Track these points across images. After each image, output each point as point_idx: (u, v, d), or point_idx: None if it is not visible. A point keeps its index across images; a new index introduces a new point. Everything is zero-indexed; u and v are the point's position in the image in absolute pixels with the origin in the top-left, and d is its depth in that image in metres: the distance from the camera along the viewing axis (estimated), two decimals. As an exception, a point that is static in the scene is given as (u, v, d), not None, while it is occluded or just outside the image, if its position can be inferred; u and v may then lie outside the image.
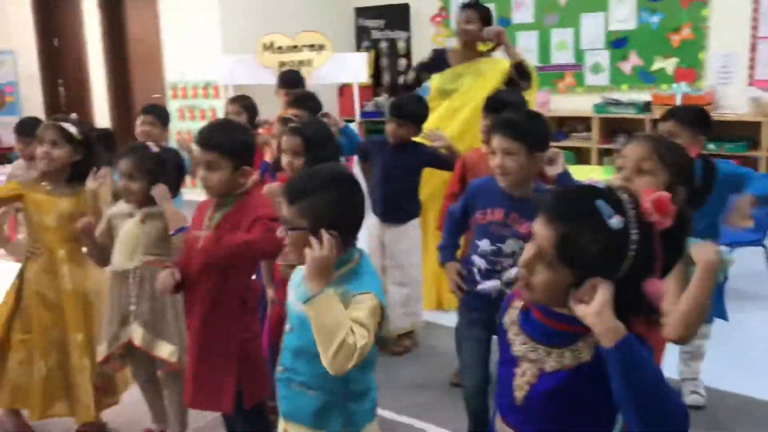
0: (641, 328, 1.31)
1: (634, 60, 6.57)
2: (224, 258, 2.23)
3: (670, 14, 6.35)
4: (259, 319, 2.59)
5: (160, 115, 3.88)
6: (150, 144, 2.77)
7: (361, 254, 1.84)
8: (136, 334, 2.63)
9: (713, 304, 2.56)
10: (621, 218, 1.25)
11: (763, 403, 3.07)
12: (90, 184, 2.86)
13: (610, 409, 1.33)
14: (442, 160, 3.57)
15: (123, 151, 2.73)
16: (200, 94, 6.94)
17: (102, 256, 2.76)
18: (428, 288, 4.14)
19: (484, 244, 2.46)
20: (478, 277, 2.51)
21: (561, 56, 6.92)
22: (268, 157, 3.47)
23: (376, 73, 8.01)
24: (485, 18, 4.12)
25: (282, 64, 6.34)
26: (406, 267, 3.67)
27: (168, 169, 2.69)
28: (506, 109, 2.82)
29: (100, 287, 2.90)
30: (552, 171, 2.51)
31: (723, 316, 2.94)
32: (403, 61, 7.91)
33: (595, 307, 1.23)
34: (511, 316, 1.49)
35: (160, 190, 2.59)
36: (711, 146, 5.58)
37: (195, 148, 2.33)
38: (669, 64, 6.43)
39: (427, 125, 3.69)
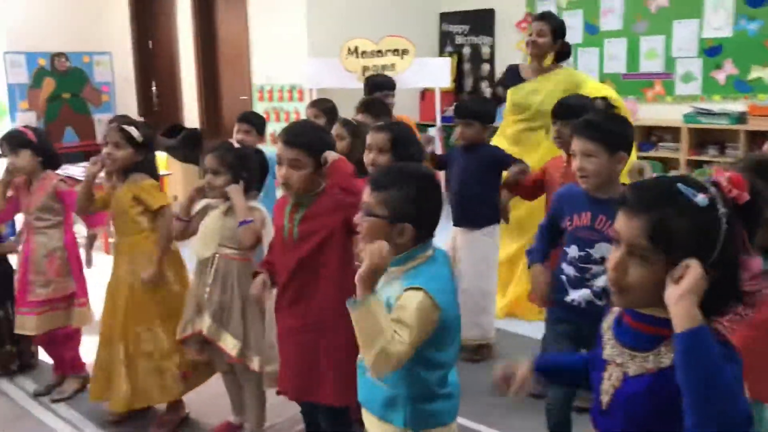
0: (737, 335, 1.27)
1: (729, 69, 6.30)
2: (345, 180, 2.32)
3: (769, 21, 6.07)
4: None
5: (255, 122, 3.98)
6: (232, 140, 2.91)
7: (436, 253, 1.85)
8: (205, 323, 2.73)
9: None
10: (706, 195, 1.24)
11: None
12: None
13: None
14: (513, 160, 3.46)
15: (208, 148, 2.87)
16: (285, 97, 7.08)
17: (184, 232, 2.88)
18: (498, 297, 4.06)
19: (573, 251, 2.40)
20: (567, 287, 2.44)
21: (650, 64, 6.71)
22: None
23: (459, 78, 7.98)
24: (558, 31, 4.01)
25: (365, 68, 6.39)
26: (473, 276, 3.55)
27: (251, 167, 2.81)
28: (572, 112, 2.79)
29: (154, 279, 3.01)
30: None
31: None
32: (486, 67, 7.85)
33: (681, 289, 1.19)
34: (608, 321, 1.47)
35: (234, 186, 2.71)
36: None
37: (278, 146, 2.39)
38: (767, 74, 6.14)
39: (510, 149, 3.69)
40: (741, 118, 6.14)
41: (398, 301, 1.72)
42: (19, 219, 3.74)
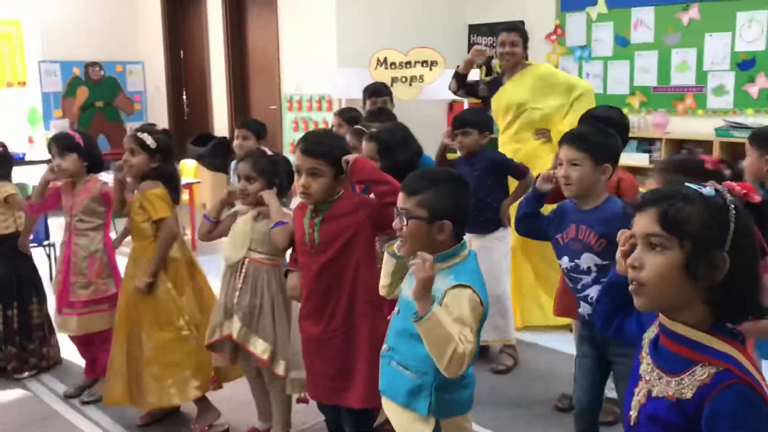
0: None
1: (762, 82, 6.22)
2: (372, 173, 2.34)
3: (804, 35, 5.99)
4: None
5: (253, 128, 4.04)
6: (265, 149, 2.95)
7: (470, 252, 1.95)
8: (234, 327, 2.75)
9: None
10: (713, 187, 1.28)
11: None
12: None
13: None
14: (513, 166, 3.66)
15: (240, 156, 2.93)
16: (315, 107, 7.13)
17: (210, 234, 2.92)
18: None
19: (564, 262, 2.50)
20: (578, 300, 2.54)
21: (682, 77, 6.64)
22: None
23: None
24: (525, 38, 4.28)
25: (394, 79, 6.42)
26: (488, 280, 3.59)
27: (283, 173, 2.85)
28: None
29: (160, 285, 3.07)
30: None
31: None
32: (515, 79, 7.83)
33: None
34: (649, 334, 1.45)
35: (268, 190, 2.75)
36: None
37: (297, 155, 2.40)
38: (801, 88, 6.05)
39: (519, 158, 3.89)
40: (774, 132, 6.05)
41: (447, 296, 1.81)
42: (53, 223, 3.80)
